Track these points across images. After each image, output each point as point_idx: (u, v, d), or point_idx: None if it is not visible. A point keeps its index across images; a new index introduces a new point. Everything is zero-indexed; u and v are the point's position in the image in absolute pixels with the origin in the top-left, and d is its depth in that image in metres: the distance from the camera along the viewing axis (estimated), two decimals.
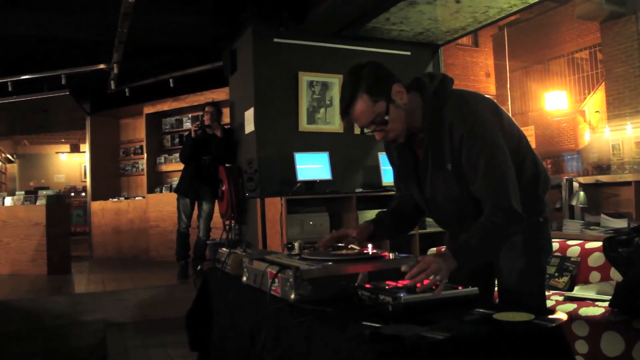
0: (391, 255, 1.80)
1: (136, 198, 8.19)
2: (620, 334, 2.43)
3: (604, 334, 2.50)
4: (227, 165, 5.43)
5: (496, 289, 1.94)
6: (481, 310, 1.39)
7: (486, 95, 1.83)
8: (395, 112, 1.70)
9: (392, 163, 2.02)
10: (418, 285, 1.47)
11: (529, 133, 12.32)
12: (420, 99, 1.75)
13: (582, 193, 4.05)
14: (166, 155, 8.28)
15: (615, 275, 3.01)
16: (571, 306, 2.75)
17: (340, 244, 2.01)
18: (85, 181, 10.68)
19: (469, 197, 1.71)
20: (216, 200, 5.53)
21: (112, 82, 7.13)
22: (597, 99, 11.15)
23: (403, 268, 1.57)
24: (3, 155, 13.19)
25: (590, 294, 2.91)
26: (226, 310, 2.16)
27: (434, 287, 1.47)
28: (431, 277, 1.49)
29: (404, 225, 2.08)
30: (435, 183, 1.77)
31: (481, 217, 1.66)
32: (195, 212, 5.58)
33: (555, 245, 3.60)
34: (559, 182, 4.33)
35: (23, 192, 6.65)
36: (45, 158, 14.43)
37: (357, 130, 5.28)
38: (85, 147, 9.17)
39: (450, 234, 2.00)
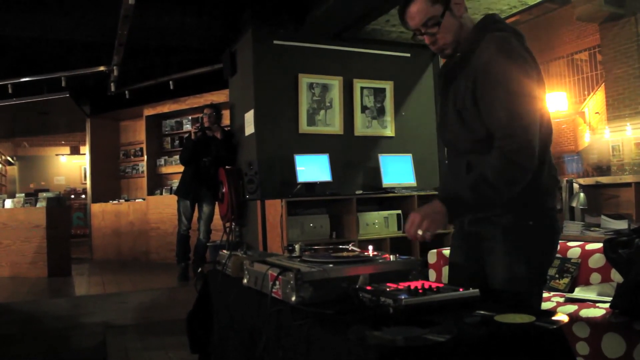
0: (392, 257, 1.80)
1: (136, 200, 8.19)
2: (621, 335, 2.43)
3: (605, 335, 2.50)
4: (227, 167, 5.44)
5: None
6: (482, 312, 1.39)
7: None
8: (449, 20, 1.71)
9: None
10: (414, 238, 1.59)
11: None
12: (472, 24, 1.76)
13: (582, 194, 4.05)
14: (166, 157, 8.28)
15: (616, 276, 3.01)
16: (572, 307, 2.75)
17: (341, 246, 2.01)
18: (86, 183, 10.69)
19: (473, 132, 1.68)
20: (216, 203, 5.54)
21: (112, 84, 7.13)
22: (597, 100, 11.15)
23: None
24: (3, 157, 13.20)
25: (591, 295, 2.91)
26: (227, 313, 2.16)
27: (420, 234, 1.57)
28: (421, 228, 1.57)
29: None
30: (452, 98, 1.76)
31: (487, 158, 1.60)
32: (196, 214, 5.59)
33: None
34: (559, 184, 4.33)
35: (23, 195, 6.65)
36: (45, 160, 14.44)
37: (357, 132, 5.29)
38: (85, 149, 9.18)
39: (449, 163, 1.94)
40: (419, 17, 1.71)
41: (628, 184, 3.92)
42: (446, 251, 3.71)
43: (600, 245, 3.13)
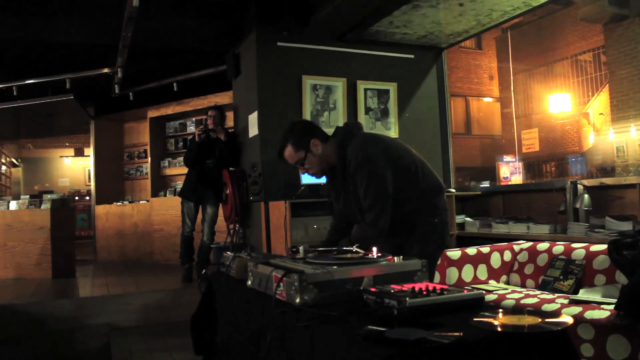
0: (396, 259, 1.80)
1: (140, 202, 8.20)
2: (626, 337, 2.43)
3: (610, 337, 2.49)
4: (231, 168, 5.44)
5: None
6: (486, 313, 1.39)
7: (380, 135, 2.63)
8: (311, 159, 2.46)
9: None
10: None
11: (533, 136, 12.28)
12: (337, 144, 2.48)
13: (586, 196, 4.04)
14: (170, 159, 8.29)
15: (621, 278, 3.00)
16: (576, 309, 2.74)
17: (345, 248, 2.01)
18: (90, 185, 10.71)
19: (360, 208, 2.41)
20: (220, 204, 5.54)
21: (116, 86, 7.15)
22: (601, 101, 11.11)
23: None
24: (8, 159, 13.25)
25: (595, 297, 2.90)
26: (231, 314, 2.16)
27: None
28: None
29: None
30: (345, 197, 2.51)
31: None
32: (200, 215, 5.59)
33: (560, 248, 3.59)
34: (563, 185, 4.32)
35: (28, 196, 6.66)
36: (50, 162, 14.48)
37: None
38: (90, 151, 9.20)
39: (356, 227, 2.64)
40: (290, 160, 2.49)
41: (632, 185, 3.91)
42: (450, 253, 3.70)
43: (604, 246, 3.12)
